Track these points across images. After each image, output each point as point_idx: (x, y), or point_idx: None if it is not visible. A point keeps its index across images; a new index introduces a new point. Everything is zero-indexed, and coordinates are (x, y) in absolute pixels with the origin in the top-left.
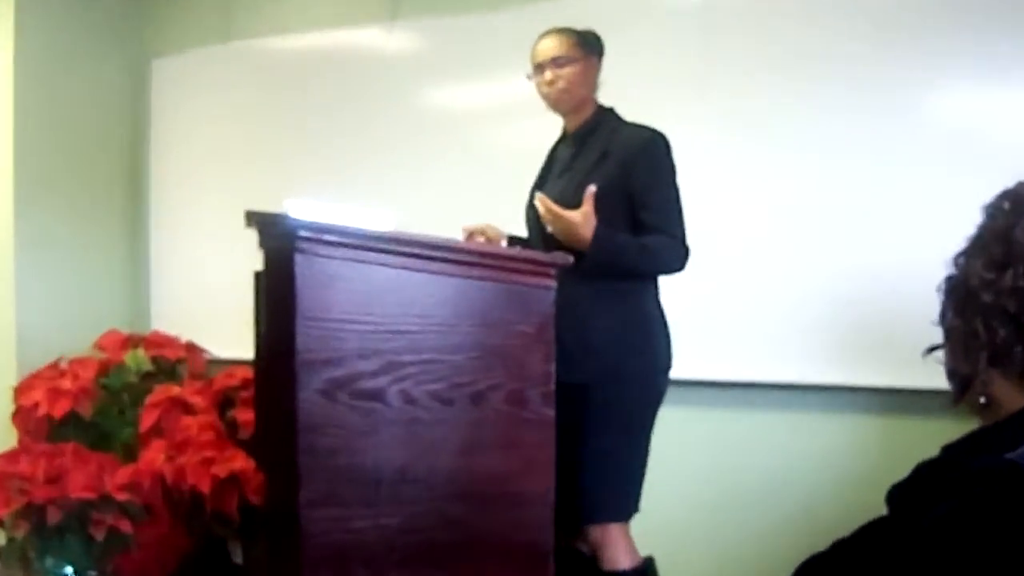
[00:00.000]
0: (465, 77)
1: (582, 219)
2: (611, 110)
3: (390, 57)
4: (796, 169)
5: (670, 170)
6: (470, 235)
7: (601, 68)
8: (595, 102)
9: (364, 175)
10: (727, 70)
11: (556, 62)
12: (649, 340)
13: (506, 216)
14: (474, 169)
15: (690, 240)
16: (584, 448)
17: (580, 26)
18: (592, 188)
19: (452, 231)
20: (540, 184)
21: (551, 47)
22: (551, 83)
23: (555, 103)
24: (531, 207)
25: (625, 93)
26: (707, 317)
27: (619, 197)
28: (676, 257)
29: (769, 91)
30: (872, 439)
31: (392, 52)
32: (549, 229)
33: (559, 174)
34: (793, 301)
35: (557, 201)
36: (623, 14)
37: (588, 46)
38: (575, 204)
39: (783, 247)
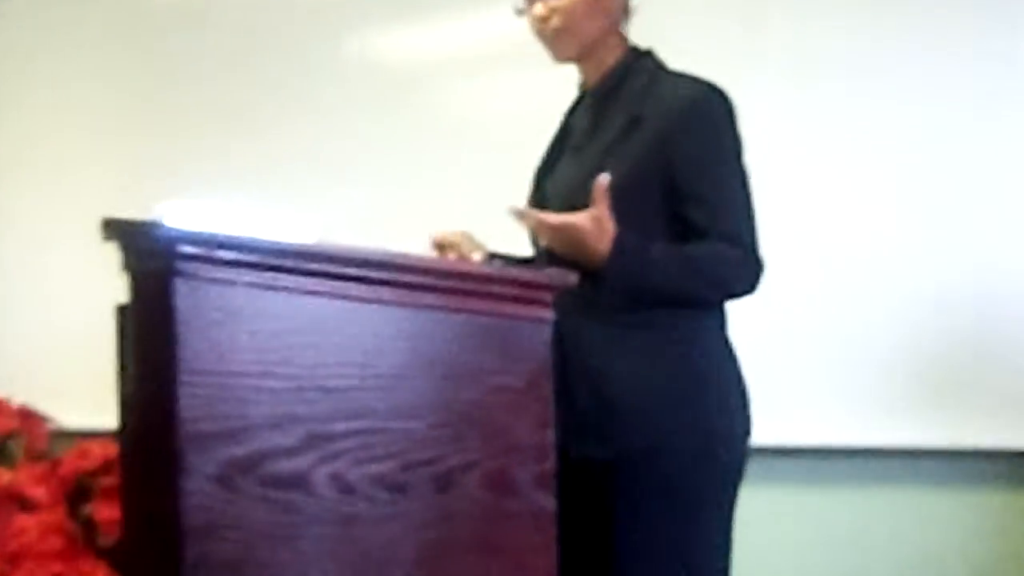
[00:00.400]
0: (423, 9)
1: (592, 225)
2: (647, 53)
3: None
4: (885, 134)
5: (732, 144)
6: (440, 248)
7: None
8: (621, 42)
9: (275, 161)
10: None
11: None
12: (709, 394)
13: (490, 219)
14: (440, 147)
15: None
16: (615, 558)
17: None
18: (604, 178)
19: (408, 242)
20: (547, 168)
21: None
22: (544, 20)
23: (553, 47)
24: (535, 203)
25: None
26: (767, 356)
27: (654, 186)
28: (742, 274)
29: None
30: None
31: None
32: (543, 243)
33: (572, 152)
34: (886, 331)
35: (564, 194)
36: None
37: None
38: (588, 199)
39: (876, 253)
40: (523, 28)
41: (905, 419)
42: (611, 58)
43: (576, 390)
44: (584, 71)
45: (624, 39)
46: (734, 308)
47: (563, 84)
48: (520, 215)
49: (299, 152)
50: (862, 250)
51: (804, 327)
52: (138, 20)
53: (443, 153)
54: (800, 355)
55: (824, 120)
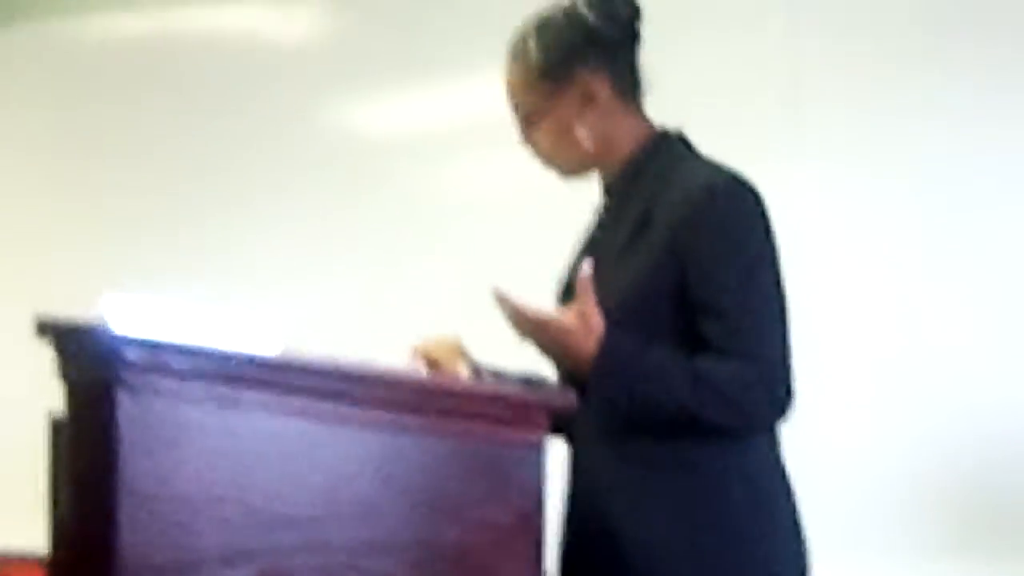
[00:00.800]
0: (411, 82)
1: (576, 322)
2: (669, 136)
3: (287, 52)
4: (931, 229)
5: (755, 244)
6: (429, 361)
7: (625, 64)
8: (638, 126)
9: (235, 250)
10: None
11: (522, 118)
12: (753, 543)
13: (478, 314)
14: (422, 234)
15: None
16: None
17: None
18: (587, 265)
19: (386, 346)
20: (573, 270)
21: (508, 91)
22: (533, 148)
23: (558, 174)
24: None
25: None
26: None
27: (664, 297)
28: (760, 398)
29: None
30: None
31: (290, 44)
32: (519, 336)
33: (589, 252)
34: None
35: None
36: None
37: (563, 65)
38: (610, 313)
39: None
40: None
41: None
42: (628, 146)
43: (580, 531)
44: (601, 169)
45: (642, 122)
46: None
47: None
48: (501, 300)
49: (262, 240)
50: (918, 367)
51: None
52: (81, 91)
53: (425, 240)
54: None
55: (855, 210)
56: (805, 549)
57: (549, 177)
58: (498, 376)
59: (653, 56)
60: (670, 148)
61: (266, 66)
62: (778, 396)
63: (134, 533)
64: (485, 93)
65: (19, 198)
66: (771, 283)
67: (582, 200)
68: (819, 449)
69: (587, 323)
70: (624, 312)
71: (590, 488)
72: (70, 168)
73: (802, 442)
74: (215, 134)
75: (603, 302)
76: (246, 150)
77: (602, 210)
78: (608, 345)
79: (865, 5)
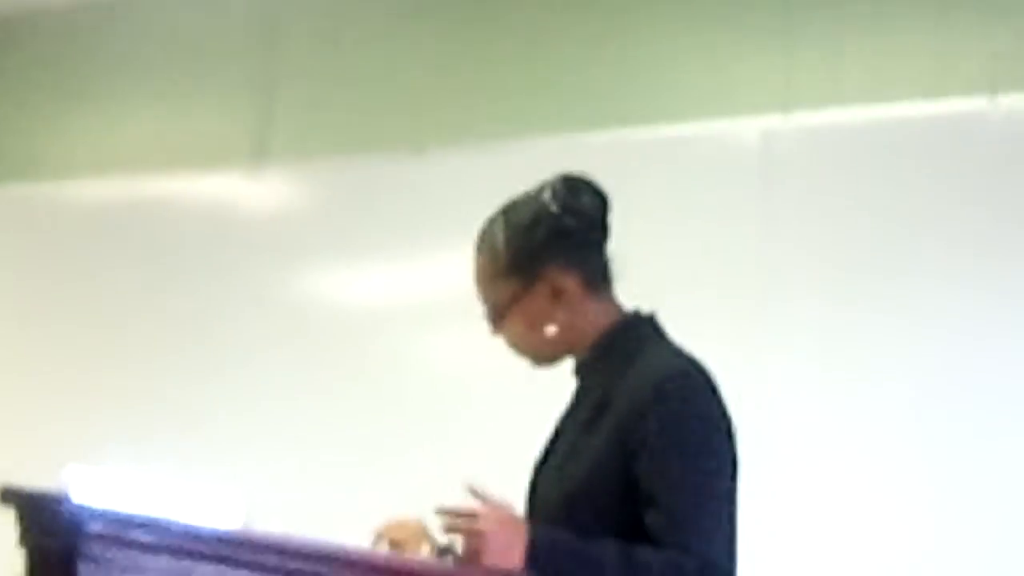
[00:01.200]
0: (383, 253)
1: (490, 521)
2: (638, 318)
3: (261, 220)
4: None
5: (701, 431)
6: (392, 543)
7: (594, 256)
8: (606, 312)
9: (205, 419)
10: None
11: (491, 311)
12: None
13: (444, 489)
14: (397, 413)
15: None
16: None
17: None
18: (469, 484)
19: (353, 525)
20: (544, 456)
21: (476, 282)
22: (502, 337)
23: (529, 363)
24: (533, 488)
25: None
26: None
27: (613, 488)
28: None
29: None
30: None
31: (265, 212)
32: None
33: (559, 442)
34: None
35: (542, 494)
36: (627, 161)
37: (531, 262)
38: (560, 503)
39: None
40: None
41: None
42: (594, 331)
43: None
44: (572, 354)
45: (611, 306)
46: None
47: None
48: (473, 494)
49: (232, 408)
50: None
51: None
52: (52, 255)
53: (394, 411)
54: None
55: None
56: None
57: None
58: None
59: (629, 241)
60: (636, 331)
61: (240, 234)
62: None
63: None
64: (458, 266)
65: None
66: (717, 477)
67: (557, 376)
68: None
69: (498, 521)
70: (576, 500)
71: None
72: (38, 334)
73: None
74: (186, 301)
75: (560, 491)
76: (216, 318)
77: (575, 391)
78: (537, 539)
79: (834, 208)
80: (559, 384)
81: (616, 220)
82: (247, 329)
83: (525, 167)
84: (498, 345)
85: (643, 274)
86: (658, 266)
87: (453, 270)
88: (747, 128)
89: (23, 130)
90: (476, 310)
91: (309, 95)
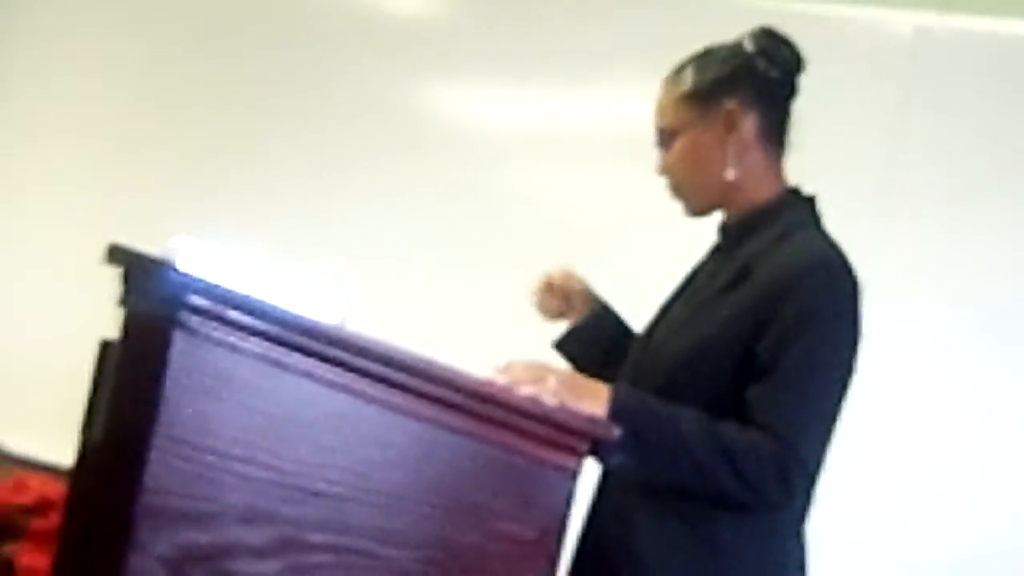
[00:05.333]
0: (520, 79)
1: (565, 375)
2: (799, 197)
3: (401, 23)
4: None
5: (834, 327)
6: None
7: (776, 111)
8: (772, 182)
9: (312, 213)
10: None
11: (662, 139)
12: None
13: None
14: (510, 239)
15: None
16: None
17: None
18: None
19: (448, 345)
20: (666, 306)
21: (656, 112)
22: (666, 174)
23: (685, 206)
24: (650, 333)
25: None
26: None
27: (733, 354)
28: (771, 477)
29: None
30: None
31: (407, 16)
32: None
33: (688, 294)
34: None
35: (661, 341)
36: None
37: (713, 90)
38: (677, 356)
39: None
40: (622, 118)
41: None
42: (756, 194)
43: (593, 558)
44: (725, 209)
45: (777, 174)
46: None
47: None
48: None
49: (340, 209)
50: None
51: None
52: (175, 29)
53: (504, 240)
54: None
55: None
56: None
57: (653, 204)
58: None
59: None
60: (797, 210)
61: (377, 35)
62: (789, 480)
63: (161, 475)
64: (605, 103)
65: (101, 131)
66: (832, 373)
67: (661, 226)
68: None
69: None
70: (694, 358)
71: (608, 516)
72: (168, 106)
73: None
74: (314, 95)
75: (679, 344)
76: (341, 116)
77: (713, 250)
78: (617, 395)
79: (976, 119)
80: (670, 237)
81: None
82: (372, 133)
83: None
84: (628, 190)
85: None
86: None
87: (600, 106)
88: (901, 21)
89: None
90: (593, 148)
91: None
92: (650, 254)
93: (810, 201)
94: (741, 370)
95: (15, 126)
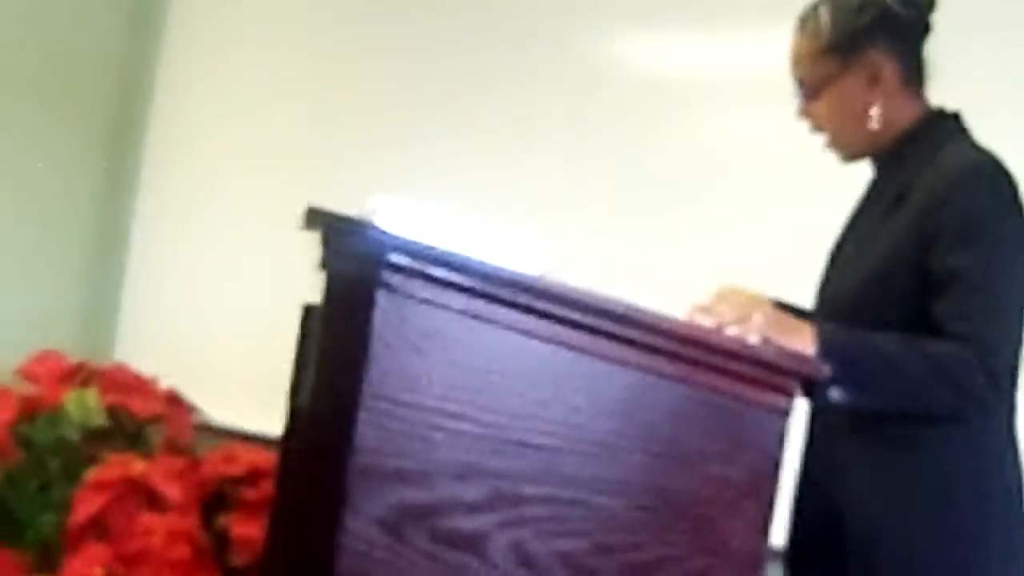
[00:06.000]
0: (697, 24)
1: (769, 312)
2: (945, 117)
3: None
4: None
5: (1002, 226)
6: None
7: (914, 51)
8: (914, 105)
9: (503, 171)
10: None
11: (804, 90)
12: (972, 530)
13: (747, 267)
14: (696, 187)
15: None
16: None
17: None
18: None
19: (649, 289)
20: (839, 244)
21: (793, 61)
22: (811, 121)
23: (836, 152)
24: (823, 284)
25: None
26: None
27: (909, 276)
28: (981, 381)
29: None
30: None
31: None
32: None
33: (853, 229)
34: None
35: (837, 281)
36: None
37: (854, 42)
38: (854, 294)
39: None
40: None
41: None
42: (901, 123)
43: (807, 505)
44: (878, 149)
45: (918, 101)
46: None
47: None
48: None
49: (539, 164)
50: None
51: None
52: None
53: (690, 189)
54: None
55: None
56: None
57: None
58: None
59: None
60: (941, 127)
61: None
62: (998, 380)
63: (372, 435)
64: (769, 48)
65: (293, 93)
66: (1012, 270)
67: (849, 169)
68: None
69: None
70: (870, 287)
71: (823, 457)
72: (343, 72)
73: None
74: (493, 53)
75: (853, 282)
76: (521, 73)
77: (871, 184)
78: (823, 330)
79: None
80: (856, 179)
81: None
82: (561, 86)
83: None
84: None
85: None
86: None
87: (766, 48)
88: None
89: None
90: (784, 93)
91: None
92: (836, 193)
93: (954, 117)
94: (920, 289)
95: (204, 101)
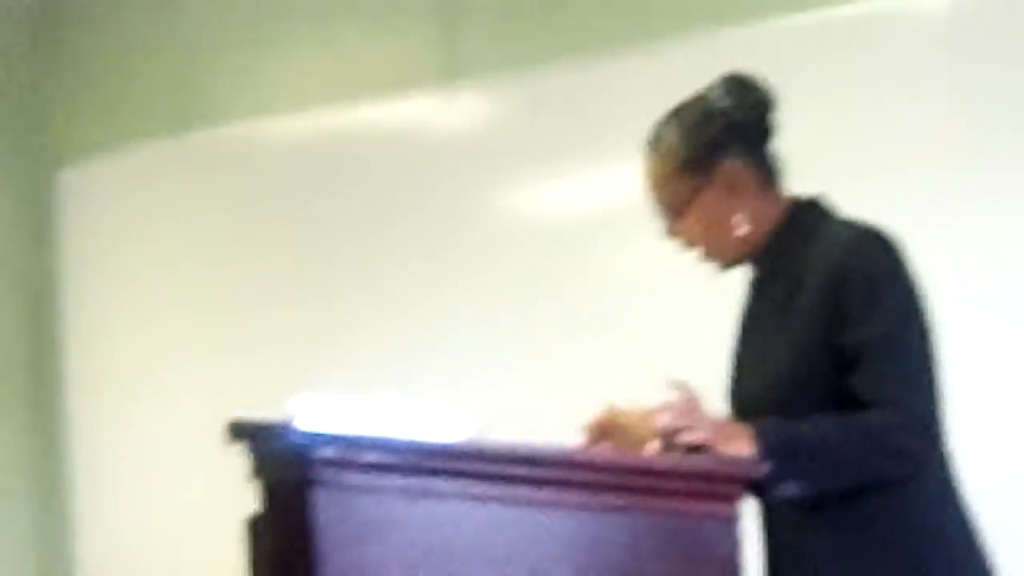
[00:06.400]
0: (578, 165)
1: (707, 416)
2: (809, 204)
3: (448, 138)
4: None
5: (897, 291)
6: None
7: (764, 151)
8: (775, 204)
9: (415, 340)
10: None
11: (667, 211)
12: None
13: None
14: (604, 320)
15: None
16: None
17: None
18: (675, 395)
19: (565, 434)
20: (740, 346)
21: (650, 185)
22: (681, 239)
23: (713, 265)
24: (737, 383)
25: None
26: None
27: (821, 360)
28: (915, 440)
29: None
30: None
31: (451, 129)
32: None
33: (747, 336)
34: None
35: (747, 392)
36: (817, 44)
37: (707, 157)
38: (766, 396)
39: None
40: None
41: None
42: (768, 222)
43: None
44: (754, 251)
45: (779, 197)
46: None
47: None
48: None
49: (442, 327)
50: None
51: None
52: (253, 194)
53: (598, 322)
54: None
55: None
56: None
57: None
58: None
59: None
60: (810, 213)
61: (435, 157)
62: (930, 435)
63: None
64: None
65: (198, 302)
66: (915, 331)
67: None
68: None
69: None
70: (784, 382)
71: (784, 552)
72: (249, 272)
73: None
74: (387, 227)
75: (769, 376)
76: (416, 241)
77: (754, 283)
78: (759, 429)
79: None
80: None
81: (798, 106)
82: (447, 249)
83: (708, 61)
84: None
85: (834, 156)
86: (850, 147)
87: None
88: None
89: (211, 73)
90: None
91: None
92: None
93: (816, 202)
94: (836, 367)
95: (124, 311)
